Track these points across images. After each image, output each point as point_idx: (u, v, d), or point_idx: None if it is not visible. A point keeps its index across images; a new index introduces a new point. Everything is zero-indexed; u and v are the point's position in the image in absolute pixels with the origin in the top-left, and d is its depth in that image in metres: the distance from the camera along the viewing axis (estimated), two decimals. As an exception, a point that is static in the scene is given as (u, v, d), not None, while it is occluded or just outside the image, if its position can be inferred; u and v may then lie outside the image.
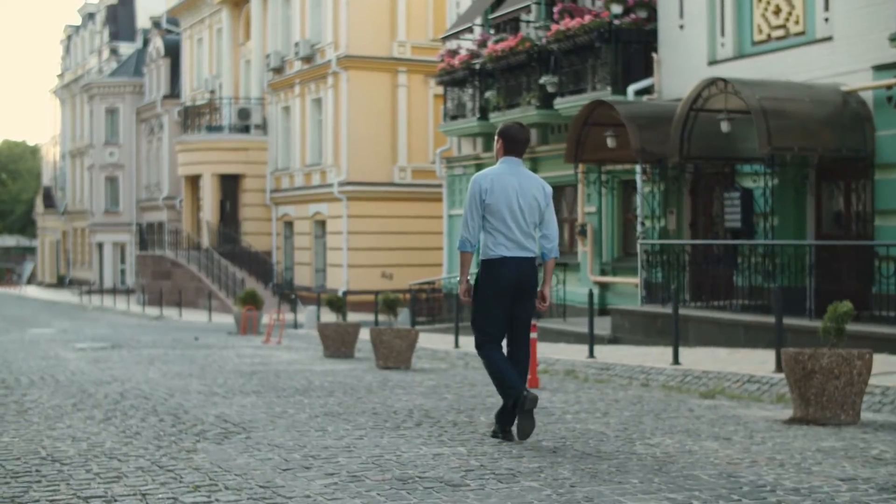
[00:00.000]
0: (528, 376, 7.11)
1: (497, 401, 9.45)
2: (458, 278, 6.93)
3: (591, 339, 13.64)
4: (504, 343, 7.00)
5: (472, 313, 6.92)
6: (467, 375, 12.66)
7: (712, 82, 14.84)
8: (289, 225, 37.20)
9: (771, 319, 13.48)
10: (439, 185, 32.82)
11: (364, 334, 17.00)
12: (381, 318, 21.29)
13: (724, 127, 14.81)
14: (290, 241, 37.10)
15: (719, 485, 5.45)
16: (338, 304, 16.22)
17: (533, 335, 11.41)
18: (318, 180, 34.58)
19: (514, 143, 6.92)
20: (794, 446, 6.83)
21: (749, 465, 6.08)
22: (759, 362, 11.87)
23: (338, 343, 15.93)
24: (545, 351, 14.96)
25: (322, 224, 34.85)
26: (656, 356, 13.37)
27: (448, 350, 16.33)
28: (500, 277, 6.71)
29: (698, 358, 12.77)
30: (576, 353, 14.58)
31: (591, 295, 13.76)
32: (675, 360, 12.12)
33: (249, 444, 6.67)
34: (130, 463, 5.93)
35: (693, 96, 15.04)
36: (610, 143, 17.02)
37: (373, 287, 30.28)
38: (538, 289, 6.95)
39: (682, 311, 15.13)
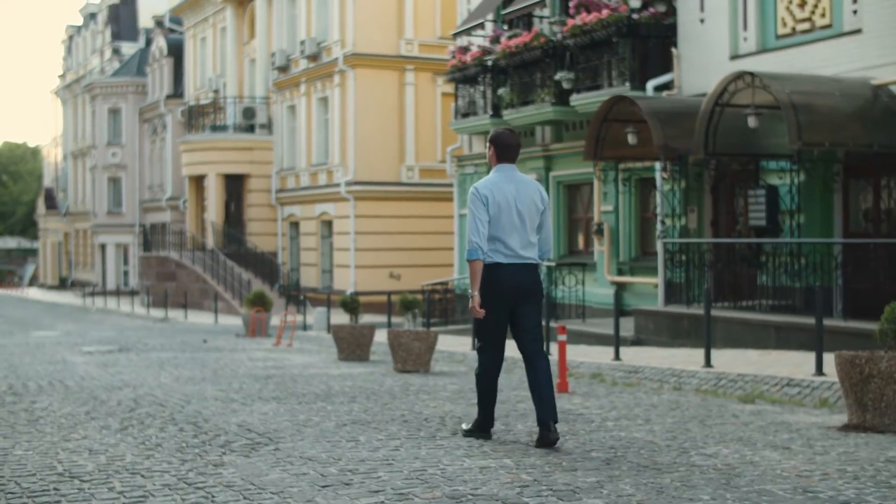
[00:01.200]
0: (558, 382, 7.03)
1: (528, 406, 9.04)
2: (470, 291, 6.84)
3: (617, 341, 13.21)
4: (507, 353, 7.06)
5: (475, 319, 6.92)
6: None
7: (739, 76, 14.40)
8: (294, 225, 36.76)
9: (803, 320, 13.10)
10: (447, 185, 32.40)
11: (378, 336, 16.59)
12: (395, 319, 20.93)
13: (752, 122, 14.38)
14: (296, 241, 36.65)
15: (797, 501, 5.02)
16: (352, 305, 15.78)
17: (562, 338, 11.03)
18: (324, 180, 34.14)
19: (506, 149, 6.93)
20: (860, 456, 6.40)
21: (821, 477, 5.65)
22: (795, 364, 11.44)
23: (353, 346, 15.50)
24: (569, 354, 14.51)
25: (329, 224, 34.41)
26: (685, 358, 12.95)
27: (465, 352, 15.90)
28: (498, 283, 6.72)
29: (729, 360, 12.35)
30: (599, 355, 14.15)
31: (616, 295, 13.32)
32: (707, 363, 11.70)
33: (279, 456, 6.23)
34: (155, 479, 5.49)
35: (719, 90, 14.60)
36: (631, 139, 16.58)
37: (381, 288, 29.89)
38: (541, 293, 6.96)
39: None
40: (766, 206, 15.74)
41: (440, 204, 32.00)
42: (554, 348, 15.06)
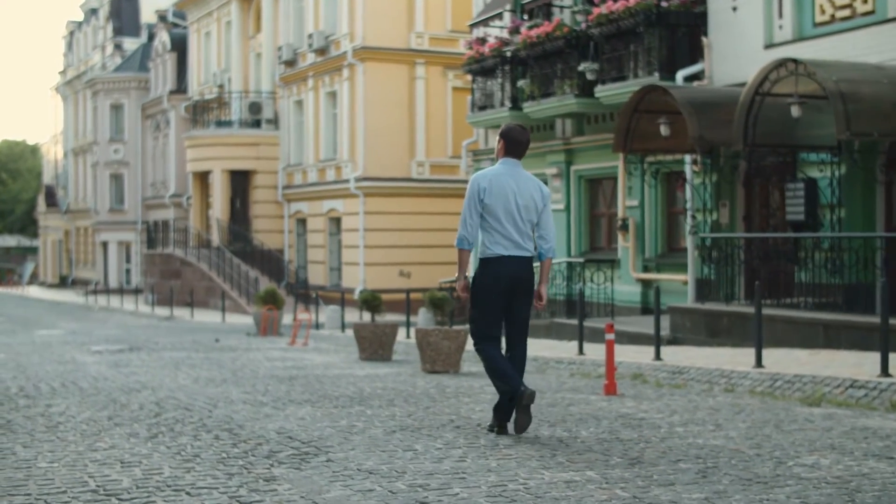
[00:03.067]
0: (523, 373, 7.04)
1: (580, 410, 8.42)
2: (457, 275, 6.97)
3: (658, 341, 12.56)
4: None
5: (469, 311, 6.98)
6: (527, 380, 11.52)
7: (781, 63, 13.76)
8: (302, 222, 36.10)
9: (854, 318, 12.47)
10: (458, 181, 31.80)
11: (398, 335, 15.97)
12: (409, 317, 20.29)
13: (795, 112, 13.74)
14: (303, 238, 35.99)
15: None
16: (374, 303, 15.15)
17: (610, 336, 10.39)
18: (332, 176, 33.48)
19: (515, 144, 7.01)
20: (977, 468, 5.77)
21: (951, 495, 5.01)
22: (854, 365, 10.81)
23: (375, 345, 14.87)
24: (604, 353, 13.87)
25: (337, 221, 33.76)
26: (730, 358, 12.31)
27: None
28: (497, 275, 6.79)
29: (777, 360, 11.71)
30: (636, 354, 13.51)
31: (657, 292, 12.67)
32: (758, 363, 11.05)
33: (334, 469, 5.59)
34: (204, 497, 4.84)
35: (759, 79, 13.96)
36: (663, 130, 15.94)
37: (390, 286, 29.24)
38: (535, 288, 7.01)
39: (748, 310, 14.08)
40: (805, 199, 15.10)
41: (451, 200, 31.37)
42: (592, 348, 14.51)
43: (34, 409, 8.60)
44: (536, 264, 7.01)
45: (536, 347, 15.75)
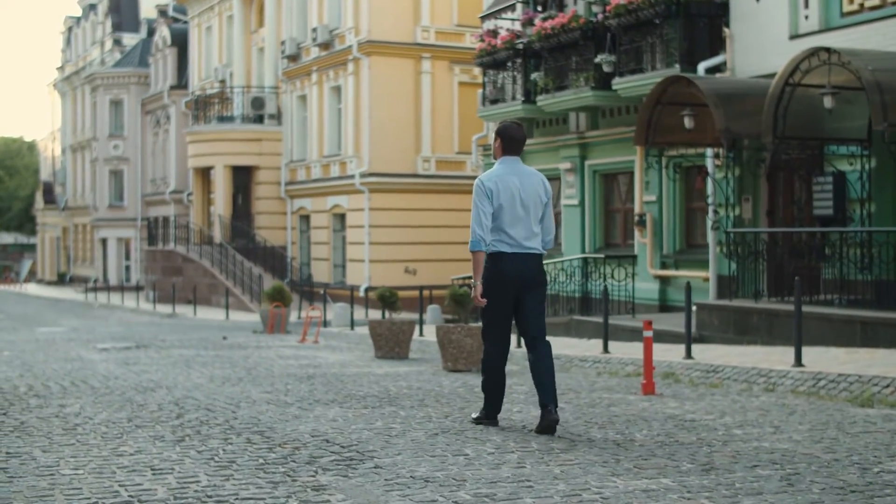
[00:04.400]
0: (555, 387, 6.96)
1: (623, 410, 7.98)
2: (473, 281, 7.03)
3: (689, 338, 12.12)
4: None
5: (481, 311, 7.08)
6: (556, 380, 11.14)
7: (813, 53, 13.32)
8: (305, 219, 35.62)
9: (892, 315, 12.04)
10: (464, 177, 31.36)
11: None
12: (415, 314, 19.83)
13: (828, 102, 13.29)
14: (306, 235, 35.51)
15: None
16: (391, 300, 14.71)
17: (648, 334, 9.96)
18: (337, 171, 33.00)
19: (512, 142, 7.05)
20: None
21: None
22: (897, 364, 10.38)
23: (391, 343, 14.43)
24: (629, 351, 13.47)
25: (341, 217, 33.28)
26: (764, 356, 11.87)
27: (511, 350, 14.79)
28: (502, 271, 6.83)
29: (815, 358, 11.27)
30: (663, 352, 13.06)
31: (687, 288, 12.23)
32: (798, 362, 10.62)
33: (386, 476, 5.15)
34: (251, 509, 4.40)
35: (790, 69, 13.52)
36: (688, 122, 15.49)
37: (395, 283, 28.77)
38: (545, 282, 7.10)
39: (780, 306, 13.67)
40: (834, 193, 14.68)
41: (457, 196, 30.93)
42: (615, 346, 14.08)
43: (47, 409, 8.16)
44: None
45: (557, 346, 15.23)
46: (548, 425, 6.63)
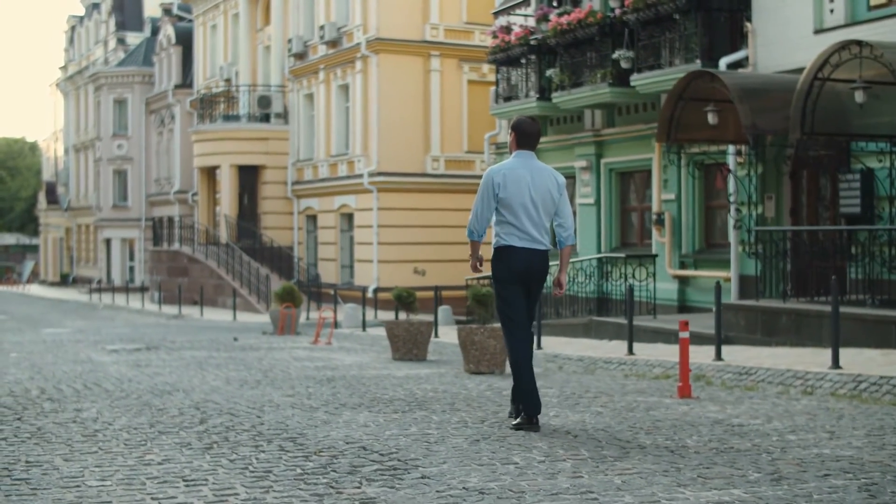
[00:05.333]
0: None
1: (664, 415, 7.64)
2: (470, 259, 7.13)
3: (719, 340, 11.79)
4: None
5: (495, 301, 7.20)
6: (582, 381, 10.85)
7: (844, 46, 12.97)
8: (312, 219, 35.27)
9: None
10: (473, 176, 30.97)
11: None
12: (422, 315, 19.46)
13: (860, 97, 12.94)
14: (314, 235, 35.16)
15: None
16: (408, 300, 14.37)
17: (684, 335, 9.62)
18: (344, 171, 32.65)
19: (526, 136, 7.03)
20: None
21: None
22: (939, 366, 10.04)
23: (409, 344, 14.09)
24: (654, 353, 13.12)
25: (349, 217, 32.93)
26: (797, 358, 11.54)
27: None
28: (510, 265, 6.85)
29: (851, 360, 10.91)
30: (692, 354, 12.63)
31: (717, 289, 11.88)
32: (835, 364, 10.27)
33: (437, 487, 4.80)
34: (300, 526, 4.06)
35: (819, 63, 13.17)
36: (711, 119, 15.14)
37: (404, 284, 28.38)
38: (555, 276, 7.15)
39: (809, 307, 13.32)
40: (861, 191, 14.33)
41: (466, 196, 30.54)
42: (642, 348, 13.74)
43: (63, 413, 7.82)
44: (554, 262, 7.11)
45: (578, 347, 14.98)
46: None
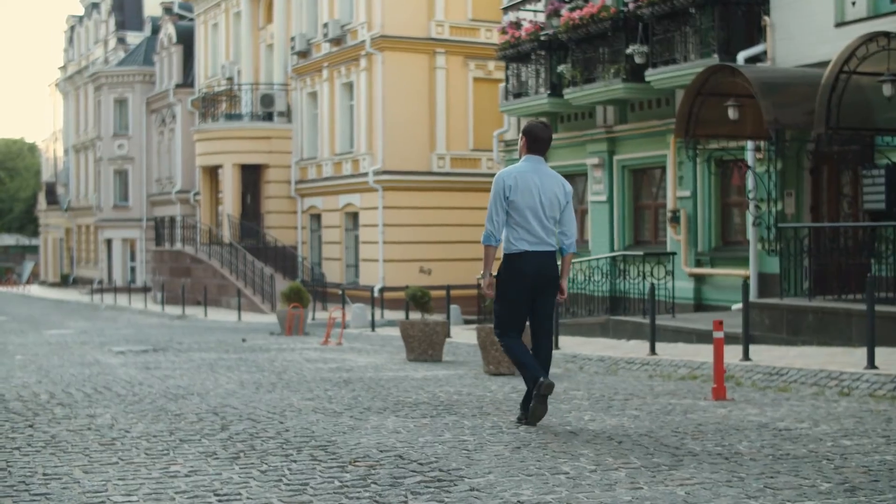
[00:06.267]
0: (549, 368, 7.11)
1: (704, 418, 7.31)
2: (482, 272, 7.15)
3: (747, 340, 11.45)
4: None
5: (495, 304, 7.14)
6: (606, 382, 10.53)
7: (872, 38, 12.65)
8: (316, 218, 34.92)
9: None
10: (479, 174, 30.69)
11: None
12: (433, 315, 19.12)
13: (887, 90, 12.63)
14: (317, 234, 34.82)
15: None
16: (423, 300, 14.04)
17: (719, 335, 9.29)
18: (349, 170, 32.31)
19: (537, 141, 7.10)
20: None
21: None
22: (979, 367, 9.71)
23: (424, 345, 13.77)
24: (675, 352, 12.79)
25: (353, 216, 32.59)
26: (829, 358, 11.20)
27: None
28: (521, 270, 6.90)
29: (886, 360, 10.54)
30: (712, 354, 12.37)
31: (745, 286, 11.55)
32: (871, 364, 9.94)
33: (488, 500, 4.48)
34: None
35: (846, 56, 12.84)
36: (732, 114, 14.81)
37: (409, 283, 28.05)
38: (559, 281, 7.11)
39: (837, 305, 12.98)
40: (886, 187, 14.00)
41: (472, 194, 30.27)
42: (663, 347, 13.39)
43: (76, 420, 7.48)
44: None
45: (597, 347, 14.65)
46: (544, 393, 6.76)
